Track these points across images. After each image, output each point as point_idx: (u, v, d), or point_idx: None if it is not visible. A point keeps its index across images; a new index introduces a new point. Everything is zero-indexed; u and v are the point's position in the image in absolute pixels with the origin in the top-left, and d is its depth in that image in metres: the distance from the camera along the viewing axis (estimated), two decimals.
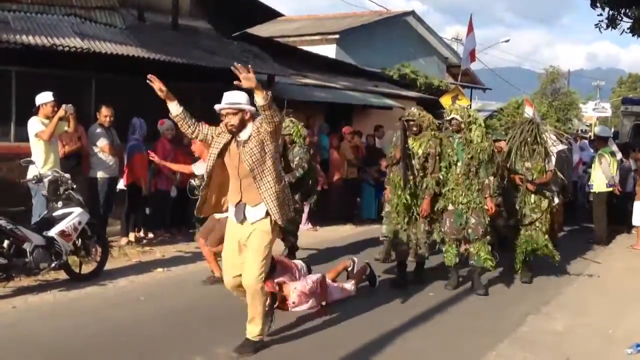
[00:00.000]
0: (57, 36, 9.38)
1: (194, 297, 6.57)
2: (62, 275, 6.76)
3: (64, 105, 7.52)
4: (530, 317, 6.35)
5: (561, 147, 9.13)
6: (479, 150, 6.89)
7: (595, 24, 12.82)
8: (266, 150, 4.82)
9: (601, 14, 12.73)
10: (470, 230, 6.96)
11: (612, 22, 12.70)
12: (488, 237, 7.03)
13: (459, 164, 6.97)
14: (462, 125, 7.00)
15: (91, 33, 10.18)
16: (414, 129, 7.06)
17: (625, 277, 8.38)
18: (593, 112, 37.74)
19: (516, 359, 5.18)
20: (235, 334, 5.35)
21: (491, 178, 6.95)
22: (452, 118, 7.07)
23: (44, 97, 7.59)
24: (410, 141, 7.03)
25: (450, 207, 7.00)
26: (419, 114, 7.13)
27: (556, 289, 7.51)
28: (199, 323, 5.73)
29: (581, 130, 32.97)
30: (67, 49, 9.24)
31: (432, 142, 7.00)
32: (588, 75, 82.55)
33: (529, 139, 7.65)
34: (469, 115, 7.09)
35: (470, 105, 20.92)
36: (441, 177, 7.00)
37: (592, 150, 14.10)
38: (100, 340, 5.18)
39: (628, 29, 12.57)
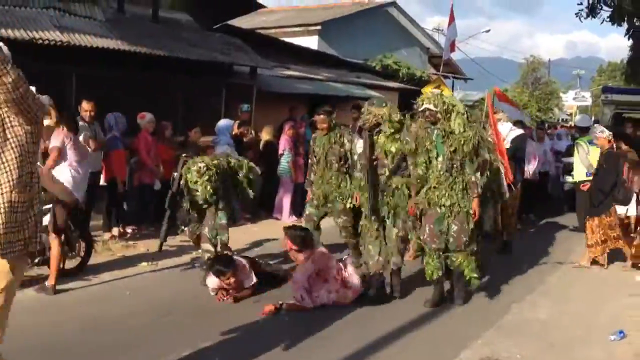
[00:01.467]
0: (36, 29, 9.30)
1: (179, 290, 6.55)
2: (46, 271, 6.70)
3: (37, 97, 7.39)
4: (514, 305, 6.41)
5: (517, 132, 9.18)
6: (462, 142, 5.96)
7: (576, 13, 12.86)
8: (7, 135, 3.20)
9: (581, 3, 12.79)
10: (451, 239, 6.07)
11: (592, 11, 12.76)
12: (473, 247, 6.17)
13: (440, 159, 6.04)
14: (439, 115, 6.05)
15: (71, 26, 10.09)
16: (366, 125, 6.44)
17: (608, 265, 8.46)
18: (573, 101, 38.08)
19: (501, 346, 5.23)
20: (221, 326, 5.36)
21: (478, 175, 6.05)
22: (425, 109, 6.13)
23: None
24: (382, 140, 6.35)
25: (430, 210, 6.08)
26: (369, 111, 6.47)
27: (540, 278, 7.58)
28: (185, 316, 5.73)
29: (562, 119, 33.27)
30: (46, 42, 9.15)
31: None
32: (568, 65, 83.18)
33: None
34: (444, 103, 6.09)
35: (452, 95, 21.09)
36: (420, 172, 6.11)
37: (569, 140, 14.13)
38: (85, 335, 5.16)
39: (608, 17, 12.63)
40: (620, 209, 10.03)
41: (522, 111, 12.56)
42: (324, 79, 16.18)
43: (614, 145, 8.38)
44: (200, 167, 6.62)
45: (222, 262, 6.16)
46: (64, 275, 6.75)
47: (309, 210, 7.53)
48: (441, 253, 6.12)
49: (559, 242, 9.70)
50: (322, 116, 7.46)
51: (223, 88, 12.53)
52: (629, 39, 13.87)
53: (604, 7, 12.76)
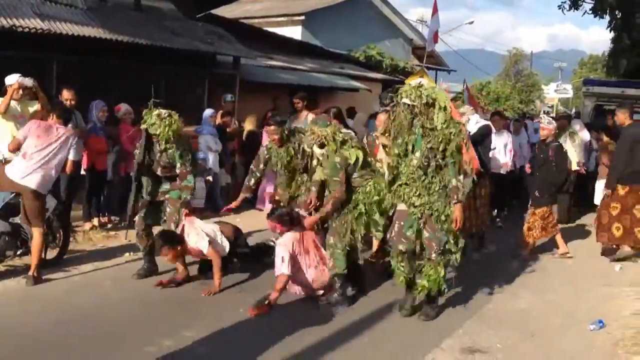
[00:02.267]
0: (16, 17, 9.17)
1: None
2: (28, 261, 6.65)
3: (19, 78, 7.29)
4: (495, 295, 6.46)
5: (481, 123, 8.58)
6: (440, 139, 5.33)
7: (559, 5, 13.01)
8: None
9: None
10: (419, 247, 5.54)
11: (574, 4, 12.89)
12: (448, 258, 5.52)
13: (417, 154, 5.41)
14: (416, 110, 5.39)
15: (51, 14, 9.96)
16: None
17: (587, 256, 8.55)
18: (555, 94, 38.32)
19: (482, 335, 5.28)
20: (203, 316, 5.36)
21: (461, 178, 5.40)
22: (403, 103, 5.47)
23: (9, 79, 7.41)
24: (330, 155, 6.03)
25: (402, 206, 5.55)
26: (312, 131, 6.21)
27: (519, 269, 7.65)
28: (166, 307, 5.71)
29: (544, 111, 33.47)
30: (27, 30, 9.03)
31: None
32: (550, 57, 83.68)
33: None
34: (420, 96, 5.40)
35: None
36: (393, 163, 5.56)
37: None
38: (67, 325, 5.12)
39: (590, 10, 12.76)
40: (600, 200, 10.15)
41: (481, 111, 12.22)
42: (308, 69, 16.14)
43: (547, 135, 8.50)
44: (161, 112, 6.49)
45: (163, 237, 6.21)
46: (45, 265, 6.71)
47: None
48: (409, 256, 5.57)
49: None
50: (272, 127, 6.78)
51: (206, 77, 12.45)
52: (610, 31, 14.00)
53: (587, 0, 12.88)
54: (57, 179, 7.99)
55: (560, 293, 6.74)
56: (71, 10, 10.59)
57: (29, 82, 7.33)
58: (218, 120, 10.60)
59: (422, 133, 5.39)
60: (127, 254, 7.47)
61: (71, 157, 6.46)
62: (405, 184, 5.49)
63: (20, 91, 7.28)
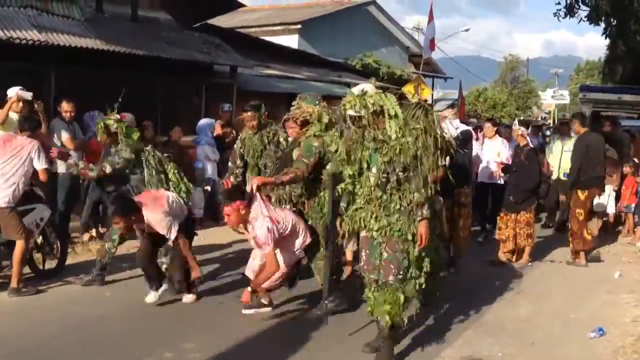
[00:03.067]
0: (13, 28, 9.19)
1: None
2: (25, 272, 6.64)
3: (18, 91, 7.30)
4: (494, 304, 6.45)
5: (461, 128, 7.87)
6: (398, 150, 4.70)
7: (554, 13, 12.99)
8: None
9: (559, 2, 12.92)
10: (380, 270, 4.78)
11: (570, 11, 12.89)
12: (410, 284, 4.76)
13: (373, 170, 4.79)
14: (364, 122, 4.79)
15: (49, 25, 10.00)
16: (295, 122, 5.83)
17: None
18: (552, 100, 38.44)
19: (482, 345, 5.26)
20: (203, 327, 5.34)
21: (423, 191, 4.67)
22: (349, 115, 4.88)
23: (9, 92, 7.43)
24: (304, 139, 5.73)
25: (364, 232, 4.90)
26: (298, 105, 5.87)
27: (519, 277, 7.64)
28: (167, 318, 5.70)
29: (541, 117, 33.55)
30: (24, 41, 9.05)
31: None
32: (546, 63, 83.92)
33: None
34: (366, 105, 4.78)
35: (432, 95, 21.22)
36: (349, 187, 4.97)
37: (538, 138, 13.89)
38: (65, 337, 5.11)
39: (586, 17, 12.77)
40: (599, 207, 10.14)
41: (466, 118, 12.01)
42: (305, 78, 16.17)
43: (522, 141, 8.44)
44: (117, 117, 6.43)
45: (116, 202, 5.88)
46: (44, 276, 6.71)
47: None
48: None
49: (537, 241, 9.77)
50: (249, 113, 6.52)
51: (203, 87, 12.48)
52: (606, 38, 14.01)
53: (582, 7, 12.91)
54: (55, 189, 8.01)
55: (560, 301, 6.73)
56: (68, 21, 10.61)
57: (28, 95, 7.35)
58: (218, 131, 10.60)
59: (375, 146, 4.79)
60: (124, 264, 7.45)
61: (39, 166, 6.29)
62: (361, 207, 4.86)
63: (20, 104, 7.30)
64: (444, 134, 5.27)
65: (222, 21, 17.15)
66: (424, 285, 4.83)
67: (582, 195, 8.30)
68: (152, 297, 6.03)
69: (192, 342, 5.04)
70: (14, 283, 6.16)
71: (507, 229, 8.27)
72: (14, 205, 6.22)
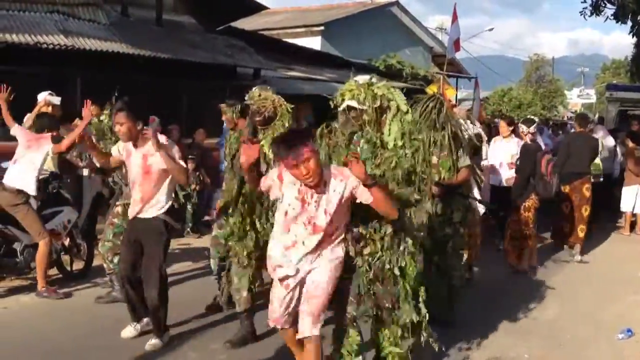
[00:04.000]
0: (40, 34, 9.33)
1: (187, 292, 6.53)
2: (53, 273, 6.73)
3: (47, 95, 7.42)
4: (522, 305, 6.39)
5: (472, 131, 7.23)
6: (393, 164, 3.96)
7: (580, 11, 12.85)
8: None
9: (585, 1, 12.79)
10: (371, 305, 3.94)
11: (596, 9, 12.75)
12: (409, 318, 3.94)
13: None
14: (366, 117, 4.07)
15: (75, 30, 10.13)
16: (257, 118, 4.92)
17: (612, 264, 8.46)
18: (578, 99, 38.06)
19: (509, 346, 5.22)
20: (231, 329, 5.35)
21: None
22: (347, 107, 4.14)
23: (39, 96, 7.55)
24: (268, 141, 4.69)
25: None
26: (264, 97, 5.02)
27: (546, 278, 7.56)
28: (193, 319, 5.72)
29: (568, 117, 33.19)
30: (51, 46, 9.17)
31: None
32: (572, 62, 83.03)
33: (435, 122, 5.27)
34: (376, 97, 4.09)
35: (457, 95, 21.10)
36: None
37: (549, 136, 13.56)
38: (95, 339, 5.15)
39: (612, 15, 12.63)
40: (627, 206, 10.01)
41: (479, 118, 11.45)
42: (328, 79, 16.17)
43: (530, 139, 8.10)
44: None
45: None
46: (71, 278, 6.81)
47: (215, 231, 5.81)
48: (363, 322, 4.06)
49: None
50: (222, 106, 5.98)
51: (227, 90, 12.53)
52: (633, 36, 13.85)
53: (608, 5, 12.76)
54: (81, 191, 8.12)
55: (587, 302, 6.65)
56: (94, 25, 10.76)
57: (56, 100, 7.46)
58: None
59: (369, 151, 4.03)
60: None
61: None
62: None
63: (50, 108, 7.40)
64: (461, 130, 5.09)
65: (245, 24, 17.23)
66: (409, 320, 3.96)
67: (565, 189, 8.76)
68: (131, 330, 5.21)
69: (218, 343, 5.06)
70: (39, 285, 6.25)
71: (508, 229, 7.97)
72: (27, 199, 6.29)
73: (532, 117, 9.15)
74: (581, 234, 8.73)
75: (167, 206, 4.97)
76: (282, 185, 3.72)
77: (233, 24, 15.41)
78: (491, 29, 40.33)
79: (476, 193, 6.57)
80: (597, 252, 8.94)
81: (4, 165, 6.87)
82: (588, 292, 7.01)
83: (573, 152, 8.96)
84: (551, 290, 7.02)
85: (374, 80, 4.33)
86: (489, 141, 8.87)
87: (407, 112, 4.13)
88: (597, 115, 26.65)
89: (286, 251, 3.74)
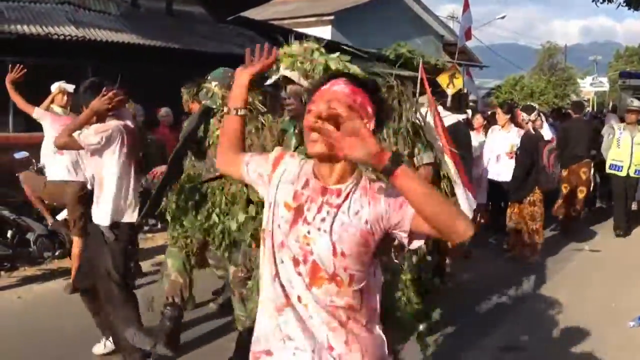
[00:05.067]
0: (51, 25, 9.37)
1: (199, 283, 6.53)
2: (66, 264, 6.78)
3: (61, 83, 7.43)
4: (532, 294, 6.39)
5: (453, 118, 6.53)
6: None
7: None
8: None
9: None
10: None
11: None
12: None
13: None
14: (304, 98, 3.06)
15: (86, 21, 10.17)
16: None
17: (624, 252, 8.41)
18: (591, 87, 37.66)
19: (520, 333, 5.22)
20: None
21: None
22: (282, 79, 3.32)
23: (53, 87, 7.56)
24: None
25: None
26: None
27: (557, 265, 7.54)
28: (211, 307, 5.73)
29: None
30: (62, 37, 9.20)
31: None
32: (585, 50, 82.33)
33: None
34: (328, 70, 3.19)
35: (473, 82, 20.97)
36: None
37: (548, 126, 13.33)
38: None
39: (624, 2, 12.53)
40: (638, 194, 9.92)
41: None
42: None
43: (531, 128, 7.81)
44: None
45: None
46: None
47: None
48: None
49: (576, 229, 9.64)
50: (182, 89, 5.74)
51: None
52: None
53: None
54: None
55: (599, 289, 6.62)
56: (104, 16, 10.79)
57: (70, 87, 7.47)
58: None
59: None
60: (162, 255, 7.53)
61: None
62: None
63: (65, 97, 7.41)
64: (417, 121, 4.25)
65: (255, 14, 17.21)
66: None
67: (564, 172, 9.17)
68: (100, 347, 4.73)
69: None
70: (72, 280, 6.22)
71: (510, 221, 7.78)
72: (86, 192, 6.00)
73: (532, 104, 8.68)
74: (576, 211, 9.59)
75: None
76: (273, 177, 2.11)
77: (243, 13, 15.39)
78: (503, 17, 39.97)
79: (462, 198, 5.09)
80: (609, 242, 8.89)
81: (17, 156, 6.87)
82: (599, 280, 6.98)
83: (571, 137, 9.46)
84: (562, 278, 7.01)
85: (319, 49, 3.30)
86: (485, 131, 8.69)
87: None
88: (610, 104, 26.45)
89: (279, 316, 2.01)
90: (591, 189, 10.25)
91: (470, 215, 4.37)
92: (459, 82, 13.41)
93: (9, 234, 6.28)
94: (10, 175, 8.25)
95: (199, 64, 11.24)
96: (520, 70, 41.47)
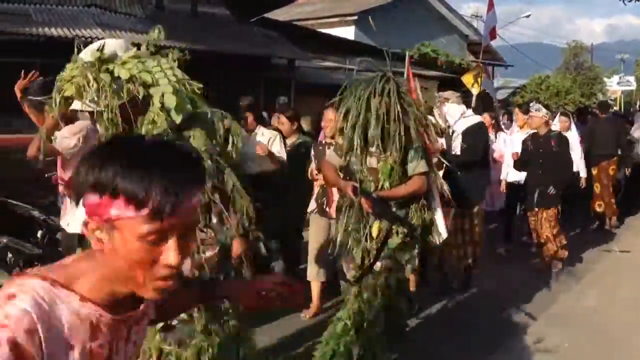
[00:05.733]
0: (78, 27, 9.47)
1: None
2: None
3: None
4: (561, 294, 6.30)
5: (472, 120, 6.02)
6: None
7: None
8: None
9: None
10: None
11: None
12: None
13: None
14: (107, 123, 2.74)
15: (112, 23, 10.27)
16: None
17: None
18: (618, 86, 37.17)
19: (549, 335, 5.15)
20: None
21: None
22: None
23: None
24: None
25: None
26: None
27: (586, 267, 7.44)
28: None
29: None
30: (89, 39, 9.30)
31: None
32: (610, 49, 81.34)
33: (379, 111, 3.80)
34: (119, 82, 2.68)
35: (493, 83, 20.85)
36: None
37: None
38: None
39: None
40: None
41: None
42: (362, 69, 16.11)
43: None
44: None
45: None
46: None
47: None
48: None
49: (606, 230, 9.51)
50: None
51: (261, 81, 12.58)
52: None
53: None
54: None
55: (628, 290, 6.52)
56: (130, 18, 10.88)
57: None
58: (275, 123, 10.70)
59: None
60: None
61: None
62: None
63: None
64: (422, 122, 3.94)
65: (279, 15, 17.26)
66: None
67: (595, 170, 9.24)
68: None
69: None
70: None
71: (542, 229, 7.05)
72: None
73: (539, 103, 7.60)
74: (614, 207, 9.49)
75: None
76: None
77: (267, 14, 15.44)
78: (528, 16, 39.61)
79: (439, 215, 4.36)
80: (638, 241, 8.75)
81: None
82: (629, 281, 6.87)
83: (597, 136, 9.45)
84: (593, 280, 6.91)
85: (110, 50, 2.70)
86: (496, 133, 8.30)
87: (177, 109, 2.65)
88: (638, 103, 26.11)
89: None
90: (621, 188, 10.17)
91: (444, 234, 4.25)
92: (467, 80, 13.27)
93: (39, 234, 6.34)
94: (39, 175, 8.37)
95: (223, 65, 11.36)
96: (546, 70, 41.08)
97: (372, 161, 3.93)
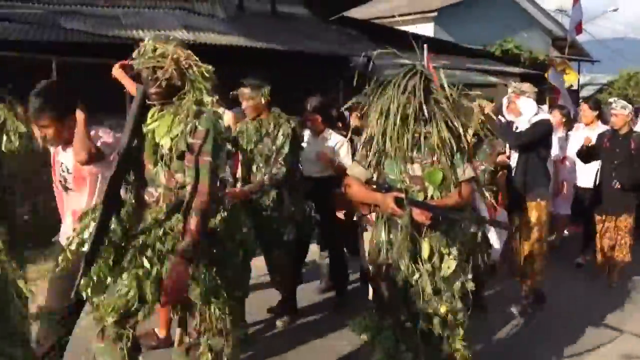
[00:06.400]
0: (165, 29, 9.76)
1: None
2: None
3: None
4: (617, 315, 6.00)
5: (541, 116, 5.50)
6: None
7: None
8: None
9: None
10: None
11: None
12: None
13: None
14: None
15: (195, 25, 10.53)
16: (153, 90, 3.12)
17: None
18: None
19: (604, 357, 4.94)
20: None
21: None
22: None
23: None
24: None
25: None
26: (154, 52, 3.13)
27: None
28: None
29: None
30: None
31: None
32: None
33: (416, 111, 3.39)
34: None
35: (579, 80, 20.14)
36: None
37: None
38: None
39: None
40: None
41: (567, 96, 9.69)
42: (441, 66, 15.90)
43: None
44: None
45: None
46: None
47: None
48: None
49: None
50: (246, 90, 5.02)
51: (340, 80, 12.60)
52: None
53: None
54: None
55: None
56: (212, 20, 11.12)
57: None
58: (355, 123, 10.71)
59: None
60: None
61: None
62: None
63: None
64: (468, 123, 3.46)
65: (358, 13, 17.25)
66: None
67: None
68: None
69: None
70: None
71: (605, 238, 6.47)
72: None
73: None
74: None
75: None
76: None
77: (345, 13, 15.46)
78: (615, 10, 38.10)
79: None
80: None
81: None
82: None
83: None
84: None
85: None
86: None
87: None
88: None
89: None
90: None
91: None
92: (569, 78, 12.88)
93: None
94: None
95: (303, 64, 11.44)
96: (635, 65, 39.36)
97: (415, 168, 3.34)
